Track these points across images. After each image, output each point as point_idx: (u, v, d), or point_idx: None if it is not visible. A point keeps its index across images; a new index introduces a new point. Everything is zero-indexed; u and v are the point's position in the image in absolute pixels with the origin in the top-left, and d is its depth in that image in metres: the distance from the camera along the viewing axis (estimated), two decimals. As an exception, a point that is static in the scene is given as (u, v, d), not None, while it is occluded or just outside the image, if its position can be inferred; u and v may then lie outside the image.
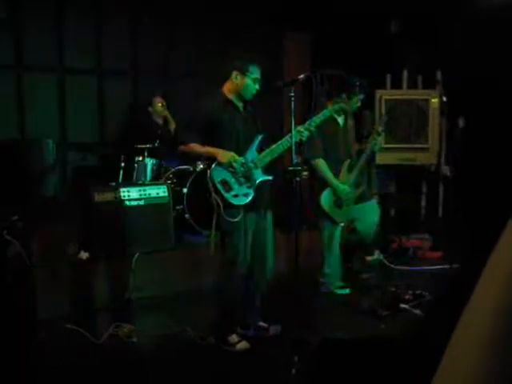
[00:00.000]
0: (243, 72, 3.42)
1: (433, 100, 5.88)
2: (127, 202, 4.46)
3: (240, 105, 3.53)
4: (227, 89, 3.49)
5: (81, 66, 6.05)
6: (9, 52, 5.64)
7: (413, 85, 6.27)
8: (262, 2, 6.72)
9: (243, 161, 3.39)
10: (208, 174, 3.32)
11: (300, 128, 3.43)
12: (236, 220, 3.32)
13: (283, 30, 7.01)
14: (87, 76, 6.12)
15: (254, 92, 3.48)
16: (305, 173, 4.51)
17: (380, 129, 4.53)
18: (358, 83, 4.33)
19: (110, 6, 6.14)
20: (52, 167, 5.06)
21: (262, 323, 3.65)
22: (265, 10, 6.72)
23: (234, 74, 3.43)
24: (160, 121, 5.86)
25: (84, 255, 4.19)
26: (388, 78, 6.29)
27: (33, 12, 5.67)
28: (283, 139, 3.40)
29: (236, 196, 3.34)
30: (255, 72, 3.44)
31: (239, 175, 3.37)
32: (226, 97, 3.49)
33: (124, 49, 6.26)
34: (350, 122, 4.52)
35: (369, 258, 5.28)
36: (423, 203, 6.35)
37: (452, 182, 5.55)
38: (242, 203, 3.35)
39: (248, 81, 3.43)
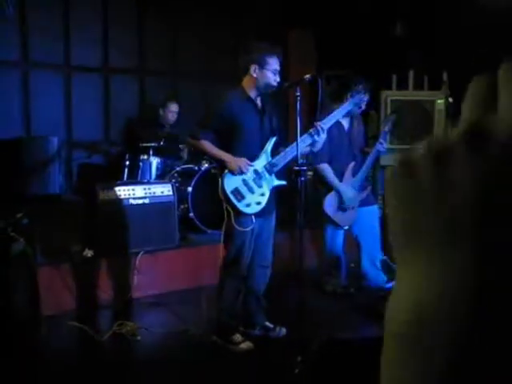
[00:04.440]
0: (262, 65, 3.21)
1: (438, 101, 5.85)
2: (132, 201, 4.47)
3: (259, 104, 3.36)
4: (246, 84, 3.29)
5: (87, 63, 6.06)
6: (15, 49, 5.66)
7: (419, 85, 6.24)
8: (267, 1, 6.72)
9: (256, 167, 3.28)
10: (220, 184, 3.21)
11: (320, 124, 3.26)
12: (247, 229, 3.23)
13: (288, 29, 7.00)
14: (93, 74, 6.13)
15: (276, 84, 3.26)
16: (310, 172, 4.48)
17: (386, 128, 4.49)
18: (361, 84, 4.21)
19: (118, 4, 6.15)
20: (57, 165, 5.07)
21: (268, 323, 3.62)
22: (269, 8, 6.72)
23: (253, 67, 3.22)
24: (167, 124, 5.78)
25: (88, 253, 4.20)
26: (394, 78, 6.26)
27: (39, 9, 5.68)
28: (298, 140, 3.11)
29: (248, 205, 3.23)
30: (274, 63, 3.24)
31: (252, 183, 3.26)
32: (246, 94, 3.29)
33: (131, 47, 6.27)
34: (356, 125, 4.46)
35: None
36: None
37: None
38: (255, 212, 3.26)
39: (268, 73, 3.22)
